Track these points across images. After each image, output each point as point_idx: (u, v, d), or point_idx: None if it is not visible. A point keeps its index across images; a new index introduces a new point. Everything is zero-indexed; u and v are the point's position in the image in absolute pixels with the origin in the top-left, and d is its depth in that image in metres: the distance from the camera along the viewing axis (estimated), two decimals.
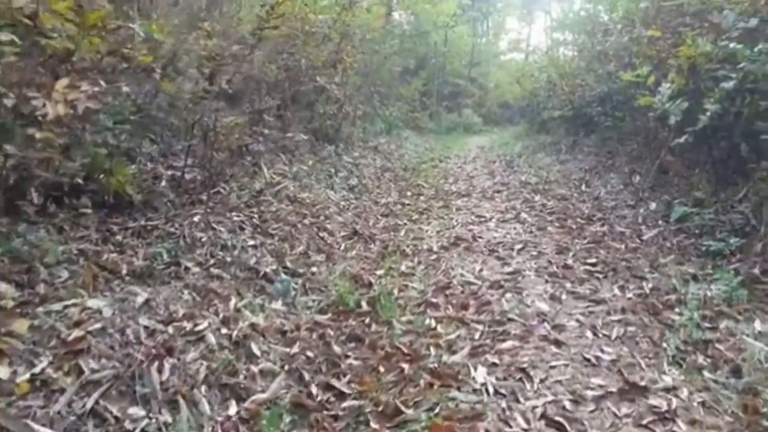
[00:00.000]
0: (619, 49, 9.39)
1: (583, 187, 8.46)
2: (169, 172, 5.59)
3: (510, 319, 4.00)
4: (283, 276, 4.56)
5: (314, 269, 4.91)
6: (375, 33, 13.63)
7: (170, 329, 3.36)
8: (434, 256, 5.51)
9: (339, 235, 6.03)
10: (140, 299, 3.57)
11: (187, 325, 3.44)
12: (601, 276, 4.78)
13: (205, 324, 3.51)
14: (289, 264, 4.80)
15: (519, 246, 5.71)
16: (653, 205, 6.38)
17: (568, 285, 4.59)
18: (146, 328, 3.30)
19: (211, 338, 3.39)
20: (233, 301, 3.95)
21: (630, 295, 4.34)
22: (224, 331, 3.52)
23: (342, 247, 5.68)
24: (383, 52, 16.18)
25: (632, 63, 8.34)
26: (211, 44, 4.96)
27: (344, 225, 6.38)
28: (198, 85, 5.26)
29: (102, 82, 3.70)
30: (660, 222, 5.97)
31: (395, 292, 4.58)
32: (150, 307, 3.57)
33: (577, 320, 3.93)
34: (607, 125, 10.00)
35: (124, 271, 3.84)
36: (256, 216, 5.53)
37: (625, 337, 3.64)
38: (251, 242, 4.95)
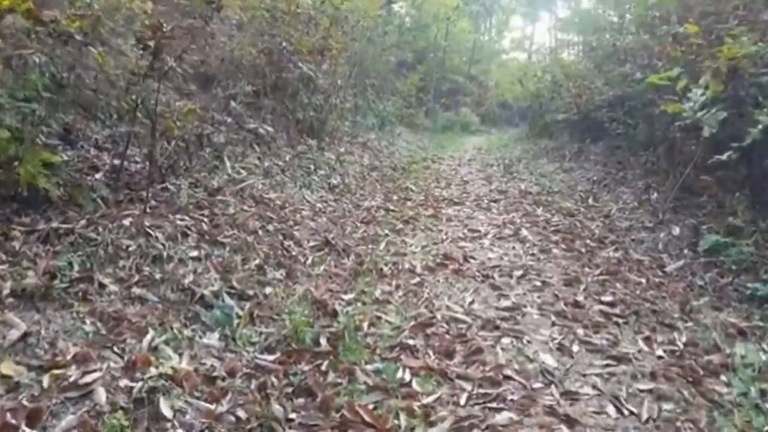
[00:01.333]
0: (638, 49, 8.48)
1: (591, 201, 7.59)
2: (117, 162, 4.68)
3: (506, 377, 3.10)
4: (226, 300, 3.63)
5: (268, 290, 3.98)
6: (370, 20, 12.72)
7: (45, 380, 2.46)
8: (416, 279, 4.59)
9: (307, 245, 5.11)
10: (15, 334, 2.68)
11: (73, 374, 2.54)
12: (620, 321, 3.86)
13: (101, 371, 2.61)
14: (236, 283, 3.86)
15: (519, 272, 4.80)
16: (676, 230, 5.49)
17: (581, 331, 3.68)
18: (7, 379, 2.40)
19: (102, 394, 2.47)
20: (150, 334, 3.04)
21: (660, 351, 3.42)
22: (125, 382, 2.60)
23: (308, 261, 4.76)
24: (380, 44, 15.33)
25: (653, 64, 7.43)
26: (148, 8, 4.00)
27: (315, 233, 5.46)
28: (141, 59, 4.35)
29: None
30: (686, 251, 5.09)
31: (364, 326, 3.66)
32: (26, 345, 2.67)
33: (594, 386, 3.03)
34: (618, 133, 9.09)
35: (5, 291, 2.93)
36: (206, 219, 4.62)
37: (660, 419, 2.72)
38: (193, 253, 4.04)
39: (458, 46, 26.60)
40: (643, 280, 4.64)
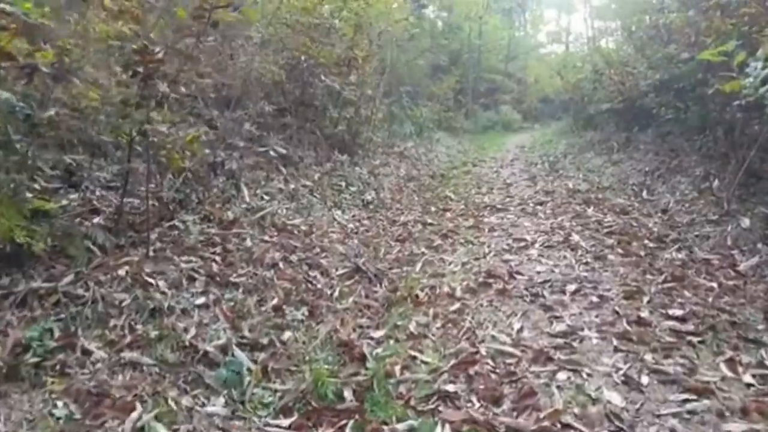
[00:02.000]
0: (682, 27, 7.80)
1: (645, 195, 6.95)
2: (126, 201, 4.31)
3: (566, 426, 2.56)
4: (236, 354, 3.18)
5: (287, 335, 3.51)
6: (398, 26, 12.24)
7: None
8: (456, 306, 4.06)
9: (335, 273, 4.65)
10: None
11: None
12: (695, 339, 3.27)
13: None
14: (248, 332, 3.41)
15: (572, 287, 4.23)
16: (746, 221, 4.85)
17: (649, 357, 3.11)
18: None
19: None
20: (137, 411, 2.58)
21: (748, 377, 2.83)
22: None
23: (335, 293, 4.29)
24: (411, 49, 14.92)
25: (700, 42, 6.78)
26: (125, 30, 3.60)
27: (345, 258, 4.98)
28: (128, 88, 3.95)
29: None
30: (759, 246, 4.47)
31: (396, 370, 3.15)
32: None
33: (673, 431, 2.46)
34: (668, 118, 8.39)
35: None
36: (218, 258, 4.19)
37: None
38: (199, 300, 3.59)
39: (493, 44, 26.15)
40: (715, 285, 4.04)
